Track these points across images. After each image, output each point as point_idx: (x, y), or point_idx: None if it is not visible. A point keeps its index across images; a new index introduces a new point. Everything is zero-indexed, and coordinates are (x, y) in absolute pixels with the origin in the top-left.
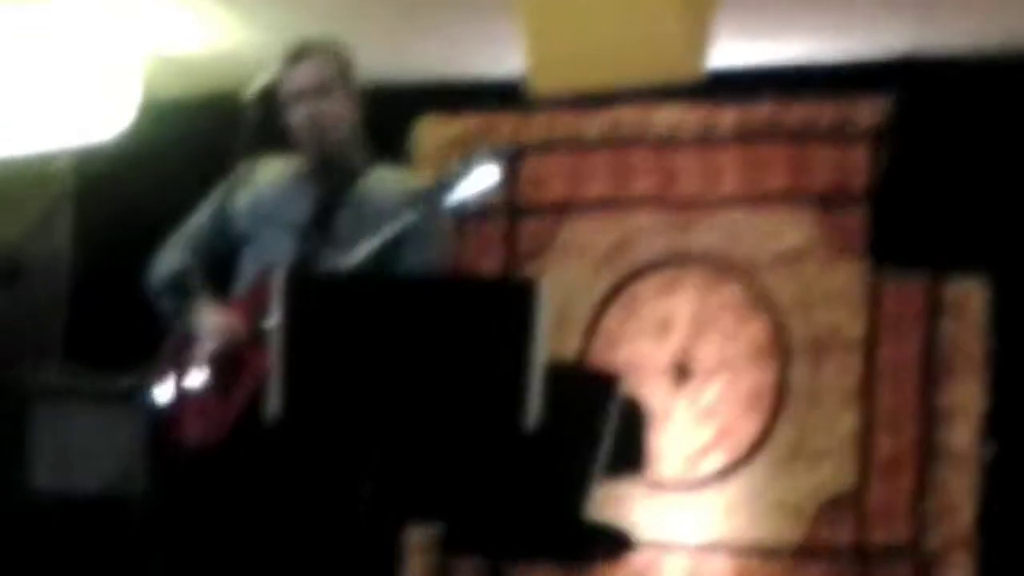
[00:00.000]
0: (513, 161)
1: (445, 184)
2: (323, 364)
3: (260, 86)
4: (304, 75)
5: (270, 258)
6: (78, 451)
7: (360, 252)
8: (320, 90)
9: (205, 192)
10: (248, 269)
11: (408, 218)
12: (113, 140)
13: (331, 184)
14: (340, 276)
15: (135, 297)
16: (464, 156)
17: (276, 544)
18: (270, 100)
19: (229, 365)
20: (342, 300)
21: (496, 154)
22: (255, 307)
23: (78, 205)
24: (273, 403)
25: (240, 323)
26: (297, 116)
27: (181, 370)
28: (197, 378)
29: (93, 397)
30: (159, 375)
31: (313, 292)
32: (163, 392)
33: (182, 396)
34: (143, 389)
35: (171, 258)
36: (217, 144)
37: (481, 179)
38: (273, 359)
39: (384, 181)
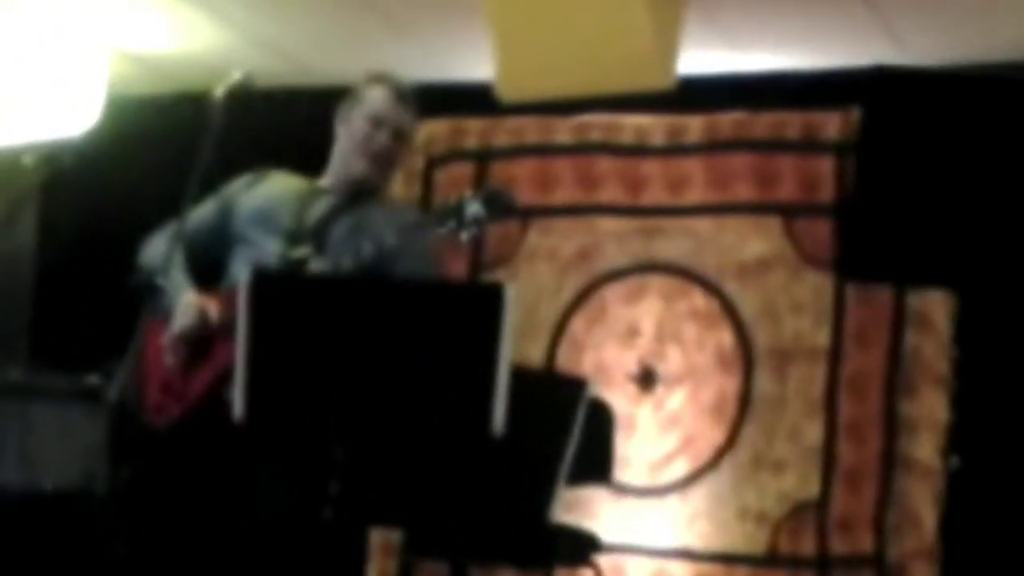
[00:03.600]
0: (506, 203)
1: (434, 217)
2: (288, 364)
3: (229, 85)
4: (399, 114)
5: (260, 260)
6: (42, 449)
7: (343, 265)
8: (400, 135)
9: (172, 191)
10: (236, 270)
11: (391, 241)
12: (80, 136)
13: (337, 200)
14: (307, 276)
15: (100, 294)
16: (461, 195)
17: (240, 542)
18: (239, 99)
19: (198, 347)
20: (308, 300)
21: (490, 194)
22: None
23: (44, 201)
24: (238, 403)
25: (216, 308)
26: (364, 134)
27: (149, 351)
28: (164, 357)
29: (57, 395)
30: (127, 373)
31: (279, 291)
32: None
33: (147, 373)
34: (108, 386)
35: (161, 243)
36: (184, 143)
37: (470, 217)
38: (238, 359)
39: (388, 207)
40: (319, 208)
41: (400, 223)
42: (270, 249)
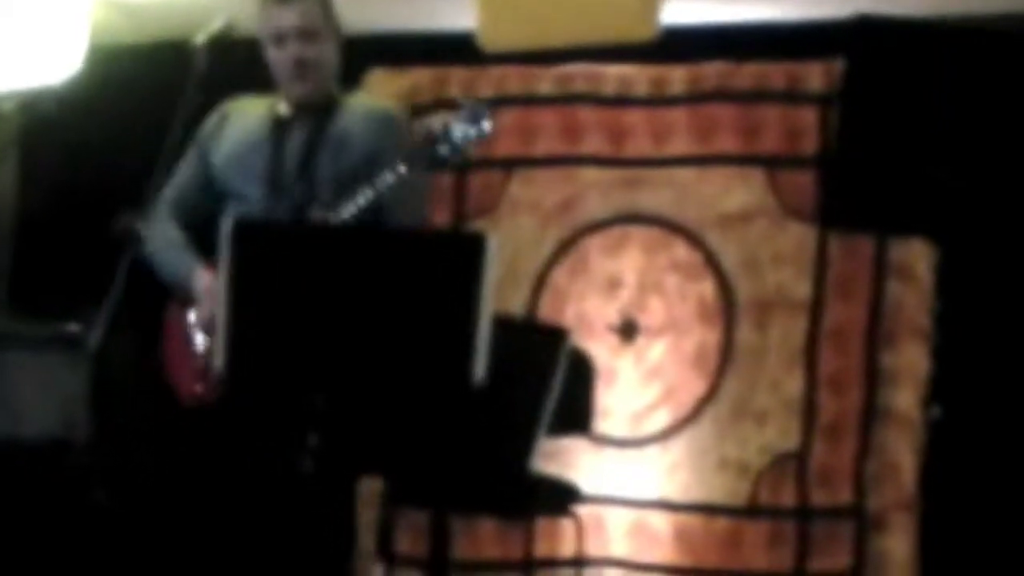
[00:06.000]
0: (487, 116)
1: (426, 143)
2: (269, 314)
3: (211, 33)
4: (289, 18)
5: (253, 213)
6: (21, 397)
7: (343, 213)
8: (304, 35)
9: (153, 139)
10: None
11: (389, 179)
12: (61, 85)
13: (307, 129)
14: (287, 225)
15: (81, 242)
16: (443, 115)
17: (222, 492)
18: (221, 47)
19: None
20: (289, 249)
21: (474, 111)
22: None
23: (24, 149)
24: (218, 354)
25: None
26: (278, 58)
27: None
28: (191, 342)
29: (37, 343)
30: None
31: (259, 241)
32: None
33: (176, 360)
34: (88, 334)
35: (163, 228)
36: (166, 91)
37: (459, 135)
38: (218, 309)
39: (356, 113)
40: (293, 143)
41: (393, 163)
42: (256, 199)
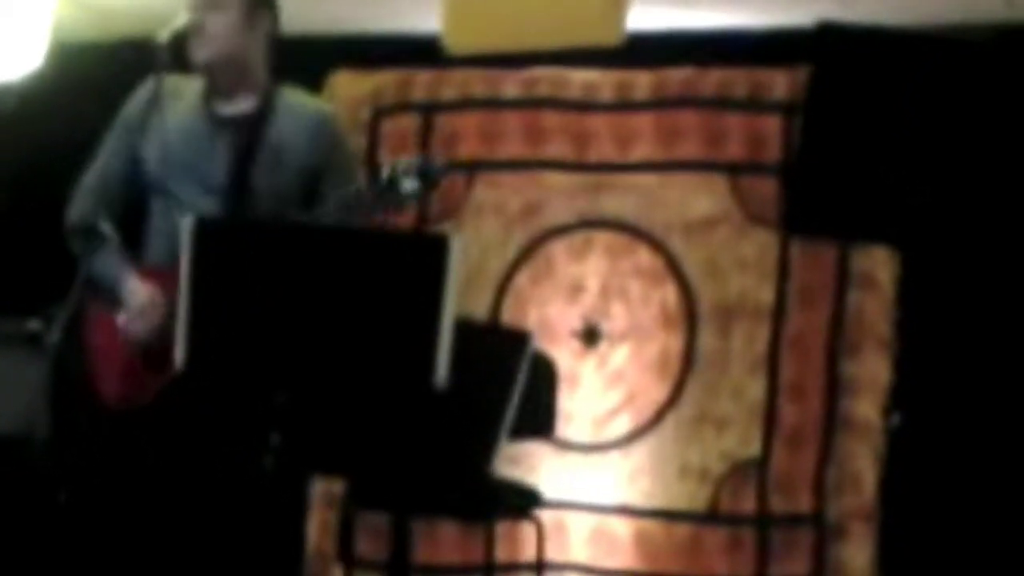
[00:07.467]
0: (438, 176)
1: (372, 193)
2: (230, 312)
3: (174, 31)
4: None
5: (187, 217)
6: None
7: None
8: (207, 5)
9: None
10: (161, 223)
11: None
12: (22, 81)
13: (243, 135)
14: (249, 223)
15: (41, 239)
16: (393, 164)
17: (180, 491)
18: (184, 45)
19: (157, 340)
20: (251, 247)
21: (423, 167)
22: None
23: None
24: (179, 351)
25: (161, 299)
26: (188, 26)
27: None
28: (119, 347)
29: None
30: (68, 317)
31: (221, 239)
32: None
33: (99, 362)
34: (49, 331)
35: (83, 205)
36: (128, 89)
37: (405, 187)
38: (180, 306)
39: (290, 119)
40: (228, 150)
41: (336, 202)
42: (188, 200)
